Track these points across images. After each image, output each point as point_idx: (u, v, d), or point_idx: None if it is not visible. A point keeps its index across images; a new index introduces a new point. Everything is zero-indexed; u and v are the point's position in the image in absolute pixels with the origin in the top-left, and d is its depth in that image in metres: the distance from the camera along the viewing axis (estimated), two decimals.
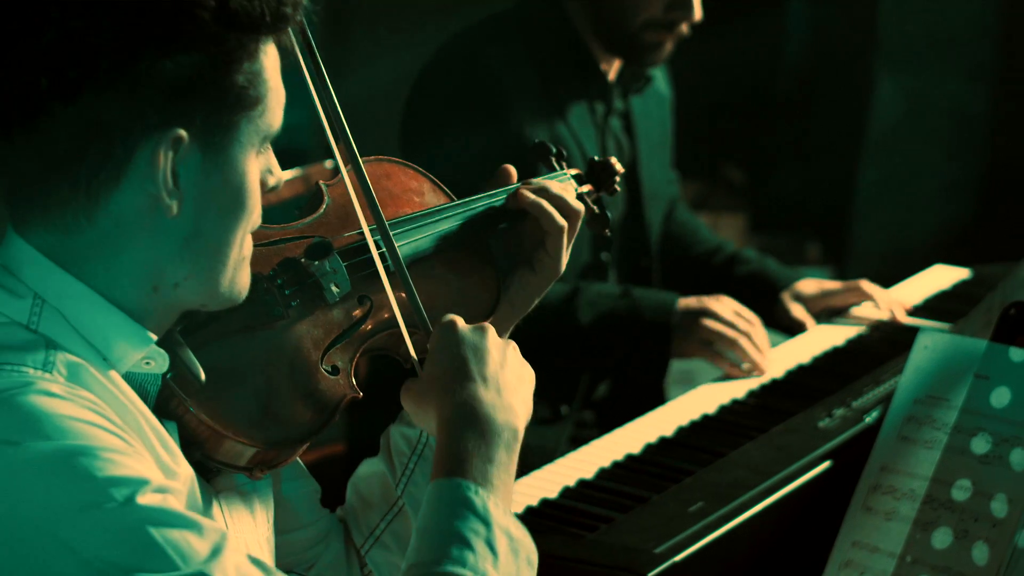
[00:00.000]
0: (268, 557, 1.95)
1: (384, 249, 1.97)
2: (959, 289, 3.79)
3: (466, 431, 1.80)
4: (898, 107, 6.16)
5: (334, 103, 1.91)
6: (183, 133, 1.67)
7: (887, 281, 3.81)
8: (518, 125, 3.28)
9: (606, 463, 2.73)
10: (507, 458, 1.81)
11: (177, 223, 1.70)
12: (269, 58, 1.74)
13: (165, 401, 1.78)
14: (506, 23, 3.47)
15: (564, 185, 2.23)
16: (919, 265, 4.01)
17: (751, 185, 6.73)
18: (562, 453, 2.82)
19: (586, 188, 2.35)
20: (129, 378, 1.75)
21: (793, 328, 3.60)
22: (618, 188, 2.39)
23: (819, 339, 3.43)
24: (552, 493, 2.61)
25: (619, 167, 2.38)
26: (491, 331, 1.91)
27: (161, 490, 1.60)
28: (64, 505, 1.56)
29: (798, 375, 3.22)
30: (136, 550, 1.55)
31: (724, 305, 3.28)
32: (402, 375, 1.98)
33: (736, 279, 3.75)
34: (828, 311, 3.61)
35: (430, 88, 3.42)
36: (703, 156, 6.17)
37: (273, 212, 1.85)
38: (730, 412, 3.05)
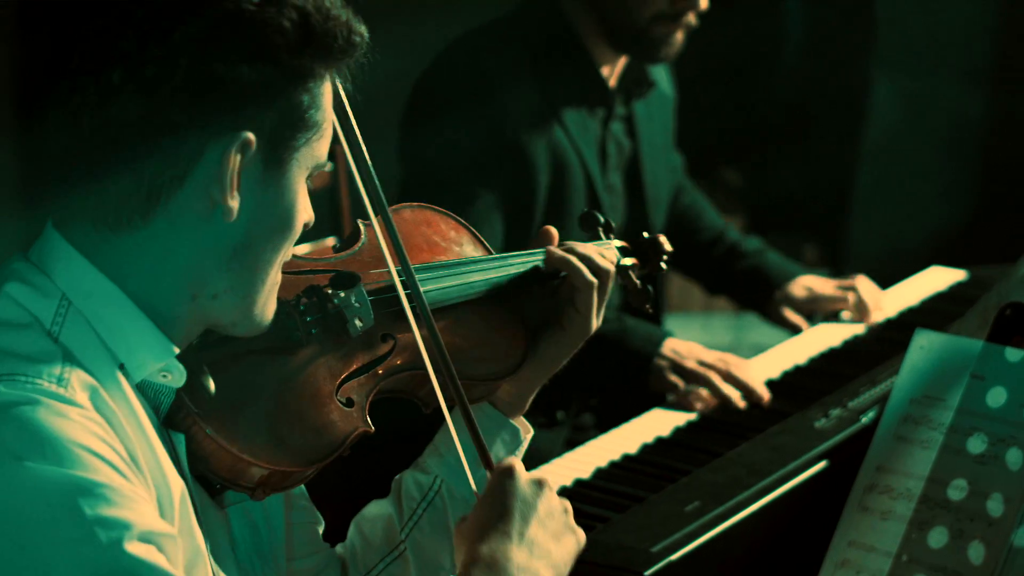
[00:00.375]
0: (272, 570, 1.94)
1: (411, 290, 1.95)
2: (955, 291, 3.79)
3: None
4: (895, 109, 6.16)
5: (362, 151, 1.91)
6: (253, 138, 1.68)
7: (884, 282, 3.82)
8: (515, 132, 3.29)
9: (603, 463, 2.74)
10: None
11: (230, 231, 1.71)
12: (328, 89, 1.77)
13: (174, 412, 1.77)
14: (506, 29, 3.47)
15: (601, 248, 2.22)
16: (916, 266, 4.02)
17: (748, 187, 6.73)
18: (558, 455, 2.82)
19: (630, 261, 2.33)
20: (144, 387, 1.74)
21: (788, 326, 3.63)
22: (664, 267, 2.37)
23: (815, 340, 3.44)
24: None
25: (667, 246, 2.36)
26: (548, 490, 1.88)
27: (148, 539, 1.59)
28: (51, 534, 1.55)
29: (794, 376, 3.23)
30: None
31: (709, 353, 3.25)
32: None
33: (735, 274, 3.77)
34: (820, 314, 3.63)
35: (429, 93, 3.42)
36: (701, 158, 6.17)
37: None
38: (727, 413, 3.06)
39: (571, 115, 3.39)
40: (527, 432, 2.16)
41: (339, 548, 2.15)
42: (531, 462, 2.75)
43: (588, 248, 2.17)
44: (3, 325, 1.68)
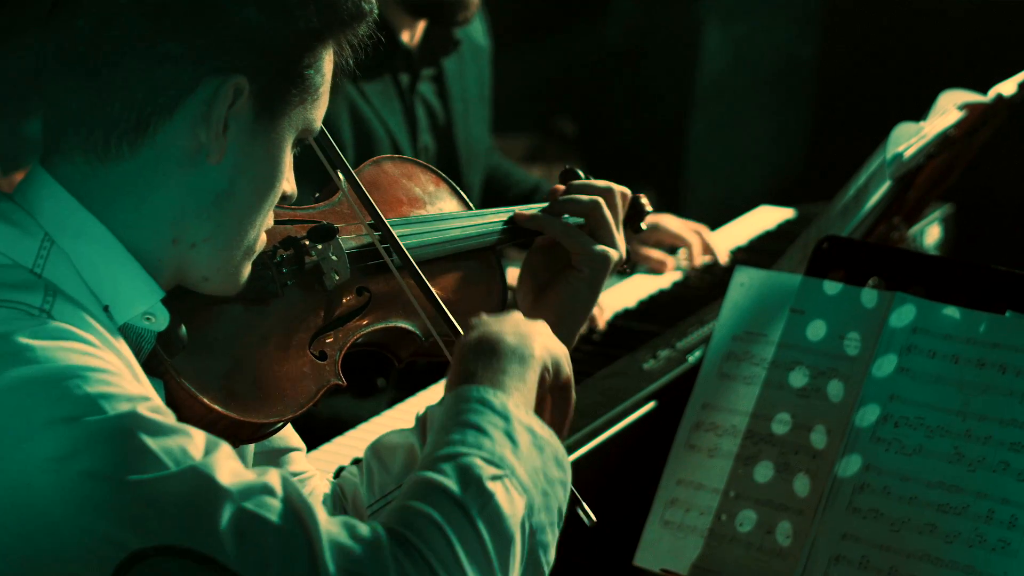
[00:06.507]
0: None
1: (388, 244, 1.95)
2: (784, 228, 3.84)
3: (478, 353, 1.76)
4: (726, 53, 6.20)
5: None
6: (246, 83, 1.68)
7: (720, 226, 3.85)
8: None
9: None
10: (520, 369, 1.76)
11: (214, 176, 1.70)
12: (330, 58, 1.78)
13: (152, 358, 1.75)
14: None
15: (584, 183, 2.23)
16: (751, 209, 4.05)
17: (584, 136, 6.74)
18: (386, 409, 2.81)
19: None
20: (126, 331, 1.71)
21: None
22: (644, 227, 2.35)
23: (645, 283, 3.45)
24: None
25: (648, 206, 2.36)
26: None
27: (155, 409, 1.57)
28: (43, 421, 1.52)
29: (624, 318, 3.24)
30: (125, 455, 1.52)
31: None
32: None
33: None
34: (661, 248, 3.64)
35: None
36: (535, 109, 6.16)
37: None
38: None
39: (374, 86, 3.35)
40: None
41: (351, 469, 2.16)
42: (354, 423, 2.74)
43: (584, 193, 2.19)
44: None
